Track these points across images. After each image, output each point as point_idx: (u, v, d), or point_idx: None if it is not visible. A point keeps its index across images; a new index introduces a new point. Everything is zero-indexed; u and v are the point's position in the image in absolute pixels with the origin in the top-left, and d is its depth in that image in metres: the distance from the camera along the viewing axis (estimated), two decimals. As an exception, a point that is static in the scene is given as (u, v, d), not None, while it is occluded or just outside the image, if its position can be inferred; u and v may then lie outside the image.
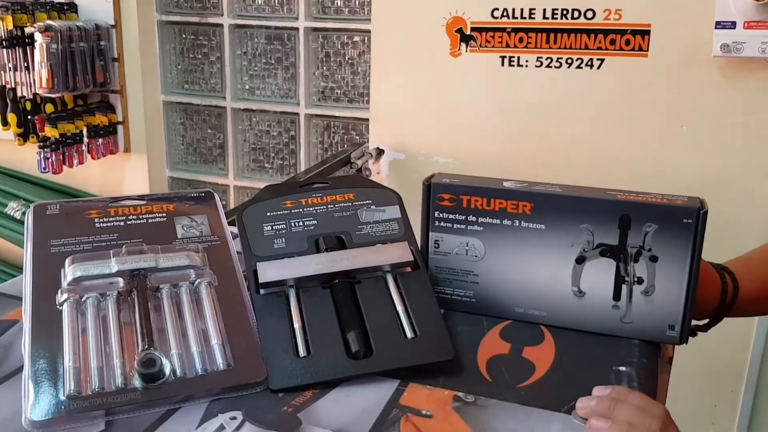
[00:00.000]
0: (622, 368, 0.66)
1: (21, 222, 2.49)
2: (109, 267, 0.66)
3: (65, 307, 0.63)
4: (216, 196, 0.80)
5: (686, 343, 0.72)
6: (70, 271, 0.65)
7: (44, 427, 0.55)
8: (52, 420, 0.56)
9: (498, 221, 0.72)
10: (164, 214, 0.75)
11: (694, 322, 0.77)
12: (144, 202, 0.77)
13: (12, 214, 2.50)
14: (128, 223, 0.74)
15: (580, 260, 0.71)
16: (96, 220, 0.73)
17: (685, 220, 0.67)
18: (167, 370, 0.60)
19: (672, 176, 1.83)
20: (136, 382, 0.59)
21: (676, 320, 0.70)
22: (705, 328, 0.80)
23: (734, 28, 1.65)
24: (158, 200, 0.77)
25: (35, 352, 0.60)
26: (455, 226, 0.74)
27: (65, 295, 0.64)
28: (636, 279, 0.70)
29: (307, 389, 0.61)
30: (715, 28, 1.67)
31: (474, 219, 0.73)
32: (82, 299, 0.64)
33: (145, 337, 0.62)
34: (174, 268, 0.68)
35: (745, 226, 1.80)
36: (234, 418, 0.58)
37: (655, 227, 0.68)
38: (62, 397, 0.57)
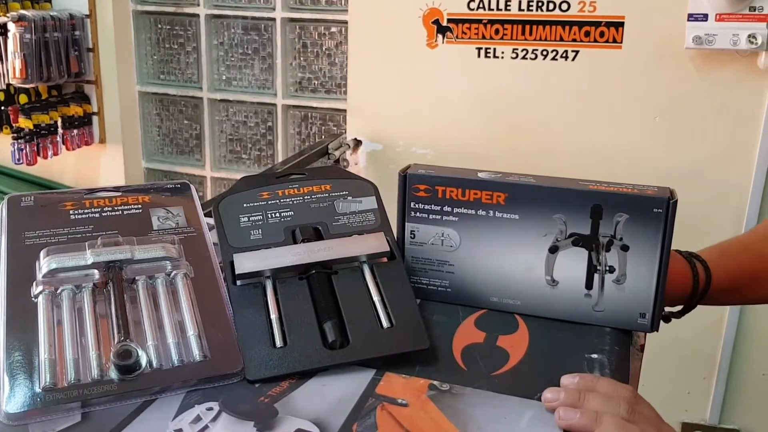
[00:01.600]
0: (595, 356, 0.68)
1: (-6, 214, 2.45)
2: (85, 259, 0.66)
3: (40, 300, 0.63)
4: (192, 187, 0.80)
5: (657, 330, 0.73)
6: (45, 263, 0.65)
7: (20, 420, 0.55)
8: (28, 412, 0.56)
9: (473, 211, 0.73)
10: (140, 206, 0.75)
11: (668, 309, 0.78)
12: (119, 193, 0.76)
13: (-15, 206, 2.47)
14: (103, 214, 0.73)
15: (554, 250, 0.72)
16: (71, 211, 0.73)
17: (656, 209, 0.68)
18: (143, 361, 0.60)
19: (646, 166, 1.86)
20: (113, 374, 0.59)
21: (647, 308, 0.71)
22: (679, 315, 0.82)
23: (706, 20, 1.67)
24: (134, 192, 0.77)
25: (10, 345, 0.60)
26: (431, 216, 0.75)
27: (40, 288, 0.63)
28: (608, 268, 0.71)
29: (283, 379, 0.62)
30: (688, 20, 1.70)
31: (449, 209, 0.74)
32: (58, 291, 0.64)
33: (121, 328, 0.62)
34: (150, 260, 0.68)
35: (718, 215, 1.83)
36: (211, 408, 0.58)
37: (626, 217, 0.69)
38: (38, 390, 0.57)
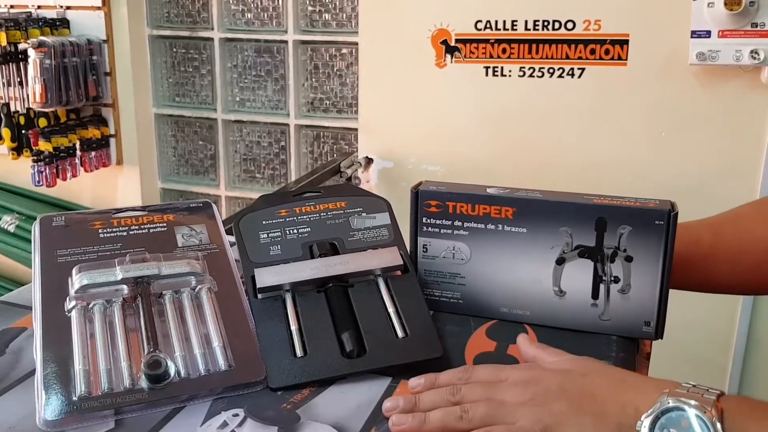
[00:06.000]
0: (601, 362, 0.70)
1: (15, 235, 2.50)
2: (114, 275, 0.69)
3: (73, 314, 0.66)
4: (214, 206, 0.83)
5: (662, 338, 0.75)
6: (77, 280, 0.68)
7: (57, 427, 0.58)
8: (65, 419, 0.59)
9: (482, 226, 0.76)
10: (165, 224, 0.79)
11: None
12: (145, 213, 0.80)
13: (6, 227, 2.52)
14: (131, 233, 0.77)
15: (560, 261, 0.74)
16: (100, 230, 0.76)
17: (657, 221, 0.71)
18: (172, 371, 0.63)
19: (652, 180, 1.88)
20: (143, 383, 0.62)
21: (651, 317, 0.74)
22: None
23: (709, 36, 1.70)
24: (159, 211, 0.80)
25: (46, 357, 0.63)
26: (442, 231, 0.78)
27: (73, 303, 0.67)
28: (612, 278, 0.73)
29: (304, 387, 0.65)
30: (691, 37, 1.73)
31: (460, 224, 0.77)
32: (90, 306, 0.67)
33: (150, 340, 0.65)
34: (176, 275, 0.71)
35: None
36: (236, 415, 0.61)
37: (630, 229, 0.72)
38: (74, 398, 0.60)
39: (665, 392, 0.53)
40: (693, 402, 0.52)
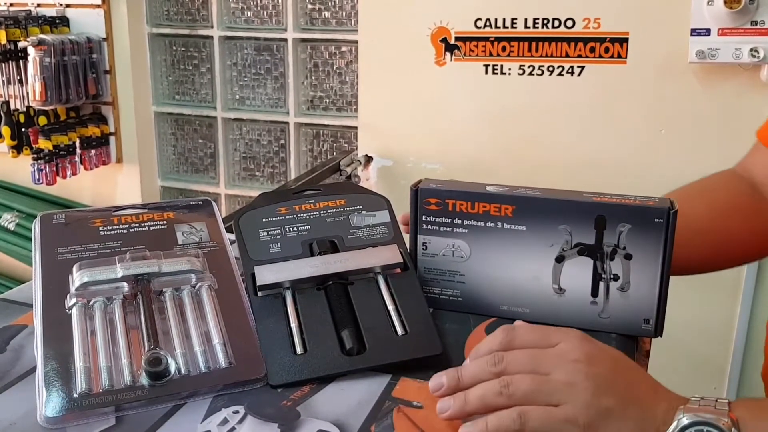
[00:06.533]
0: (601, 360, 0.70)
1: (15, 233, 2.50)
2: (115, 272, 0.69)
3: (74, 311, 0.66)
4: (214, 203, 0.83)
5: (661, 336, 0.75)
6: (77, 277, 0.68)
7: (58, 423, 0.59)
8: (66, 416, 0.59)
9: (482, 223, 0.76)
10: (165, 222, 0.79)
11: None
12: (145, 210, 0.80)
13: (6, 225, 2.52)
14: (131, 230, 0.77)
15: (560, 259, 0.74)
16: (100, 228, 0.76)
17: (657, 219, 0.71)
18: (172, 368, 0.63)
19: (651, 179, 1.87)
20: (144, 380, 0.62)
21: (650, 314, 0.74)
22: None
23: (709, 35, 1.70)
24: (159, 208, 0.81)
25: (47, 354, 0.63)
26: (442, 228, 0.78)
27: (74, 300, 0.67)
28: (612, 276, 0.74)
29: (304, 384, 0.65)
30: (691, 35, 1.73)
31: (459, 222, 0.77)
32: (90, 303, 0.67)
33: (150, 337, 0.65)
34: (176, 273, 0.71)
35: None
36: (237, 412, 0.61)
37: (629, 227, 0.72)
38: (74, 395, 0.60)
39: (680, 408, 0.54)
40: (709, 416, 0.53)
